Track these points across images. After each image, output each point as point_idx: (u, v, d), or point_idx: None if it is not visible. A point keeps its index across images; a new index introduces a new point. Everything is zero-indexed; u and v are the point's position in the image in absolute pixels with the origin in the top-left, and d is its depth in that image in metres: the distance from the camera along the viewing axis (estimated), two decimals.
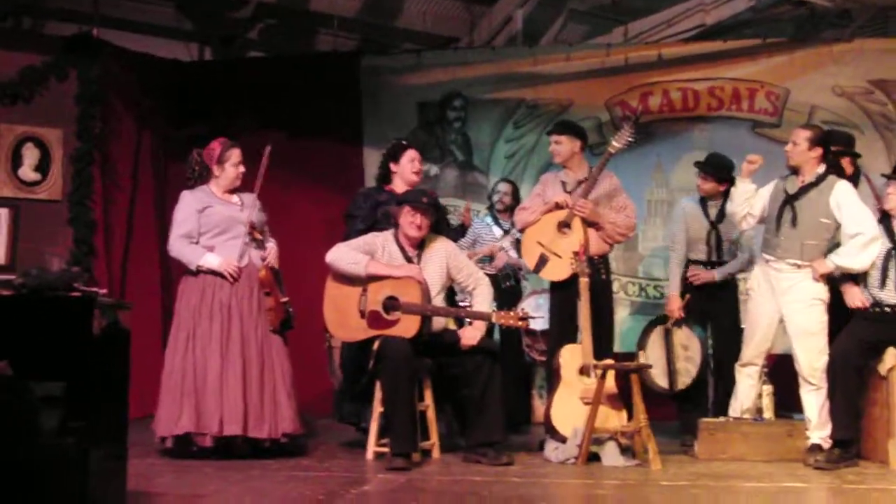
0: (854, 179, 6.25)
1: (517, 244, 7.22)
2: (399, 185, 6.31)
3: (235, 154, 6.07)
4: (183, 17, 9.45)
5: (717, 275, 6.68)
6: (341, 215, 6.61)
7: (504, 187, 7.75)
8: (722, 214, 6.64)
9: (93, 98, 8.03)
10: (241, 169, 6.08)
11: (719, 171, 6.68)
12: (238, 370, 5.77)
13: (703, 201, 6.80)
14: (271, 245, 6.07)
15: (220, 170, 6.03)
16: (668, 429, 6.73)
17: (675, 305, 6.64)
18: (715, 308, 6.70)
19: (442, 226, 6.43)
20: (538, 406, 7.65)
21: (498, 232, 7.51)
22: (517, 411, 7.30)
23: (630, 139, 6.22)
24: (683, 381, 6.50)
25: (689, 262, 6.79)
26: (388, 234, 5.98)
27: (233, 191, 6.09)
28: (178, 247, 5.97)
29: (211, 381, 5.74)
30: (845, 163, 6.29)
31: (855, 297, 5.83)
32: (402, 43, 10.20)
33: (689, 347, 6.53)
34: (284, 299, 5.98)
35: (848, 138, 6.52)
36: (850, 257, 5.79)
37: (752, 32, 9.36)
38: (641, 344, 6.66)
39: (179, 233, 5.97)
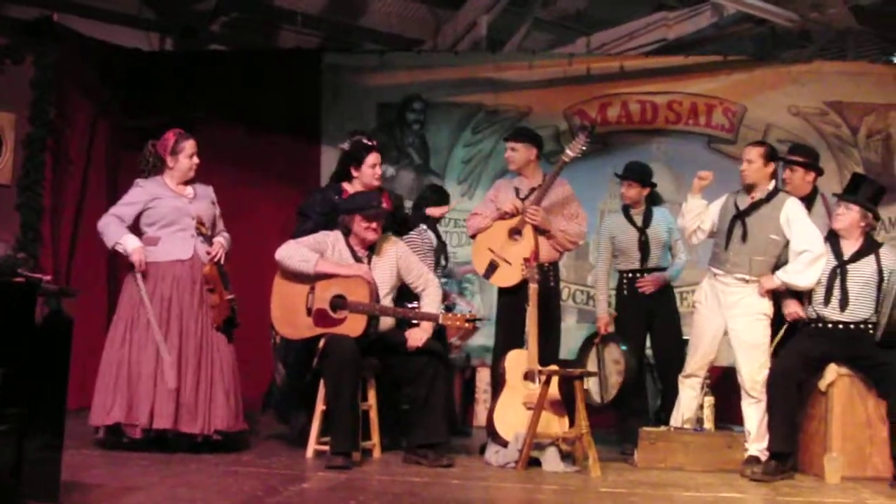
0: (811, 197, 6.31)
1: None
2: (357, 187, 6.28)
3: (189, 145, 6.03)
4: (145, 7, 9.38)
5: (666, 277, 6.80)
6: (295, 211, 6.58)
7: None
8: (647, 220, 6.73)
9: (49, 83, 7.93)
10: (195, 160, 6.03)
11: (642, 177, 6.79)
12: (173, 363, 5.71)
13: (627, 211, 6.88)
14: (218, 240, 6.01)
15: (173, 161, 5.99)
16: (610, 436, 6.77)
17: (602, 322, 6.81)
18: (657, 316, 6.76)
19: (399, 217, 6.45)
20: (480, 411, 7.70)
21: (433, 236, 7.46)
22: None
23: (584, 148, 6.26)
24: (612, 393, 6.59)
25: (622, 273, 6.88)
26: (338, 233, 5.96)
27: (188, 182, 6.05)
28: (105, 222, 5.91)
29: (145, 373, 5.68)
30: (808, 178, 6.33)
31: (792, 308, 5.90)
32: (365, 42, 10.20)
33: (620, 362, 6.60)
34: (229, 296, 5.93)
35: (815, 154, 6.58)
36: (796, 274, 5.86)
37: (713, 49, 9.46)
38: (581, 360, 6.74)
39: (114, 211, 5.94)
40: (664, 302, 6.79)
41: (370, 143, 6.40)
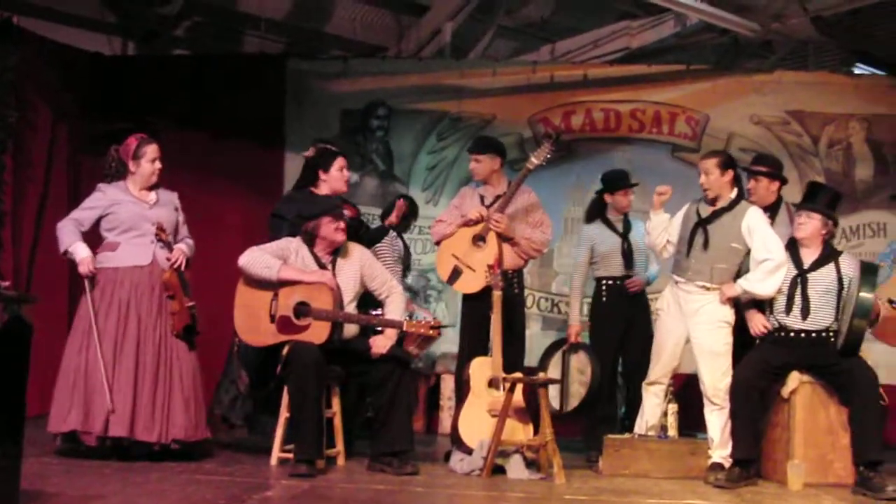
0: (776, 206, 6.36)
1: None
2: (324, 192, 6.25)
3: (151, 150, 5.97)
4: (107, 11, 9.30)
5: (648, 276, 6.87)
6: (268, 215, 6.50)
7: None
8: (627, 227, 6.82)
9: (9, 86, 7.83)
10: (158, 165, 5.97)
11: (626, 184, 6.87)
12: (130, 371, 5.65)
13: (606, 219, 6.91)
14: (180, 246, 5.95)
15: (135, 165, 5.93)
16: (575, 444, 6.78)
17: (573, 330, 6.82)
18: (633, 324, 6.78)
19: (361, 230, 6.42)
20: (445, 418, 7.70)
21: (401, 245, 7.43)
22: None
23: (549, 156, 6.27)
24: (572, 403, 6.60)
25: (601, 280, 6.88)
26: (300, 240, 5.92)
27: (151, 188, 5.99)
28: (62, 226, 5.87)
29: (101, 380, 5.61)
30: (772, 187, 6.37)
31: (758, 324, 5.94)
32: (329, 48, 10.18)
33: (585, 372, 6.62)
34: (189, 303, 5.87)
35: (779, 163, 6.63)
36: (757, 282, 5.89)
37: (676, 58, 9.55)
38: (543, 365, 6.75)
39: (73, 215, 5.90)
40: (641, 310, 6.80)
41: (336, 149, 6.39)
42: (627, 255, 6.81)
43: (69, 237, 5.81)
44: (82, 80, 8.79)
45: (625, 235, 6.84)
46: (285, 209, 6.25)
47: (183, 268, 5.93)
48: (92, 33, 9.45)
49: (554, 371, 6.71)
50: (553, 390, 6.61)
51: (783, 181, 6.44)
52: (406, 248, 7.38)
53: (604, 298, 6.90)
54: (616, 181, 6.93)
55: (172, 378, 5.77)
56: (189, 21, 9.82)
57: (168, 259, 5.87)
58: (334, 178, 6.27)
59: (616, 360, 6.88)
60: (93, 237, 5.94)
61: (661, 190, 6.20)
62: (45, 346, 7.61)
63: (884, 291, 6.13)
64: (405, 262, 7.36)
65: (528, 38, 10.32)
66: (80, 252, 5.78)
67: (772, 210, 6.25)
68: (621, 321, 6.79)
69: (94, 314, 5.71)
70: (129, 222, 5.84)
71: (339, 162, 6.30)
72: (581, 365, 6.67)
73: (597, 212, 6.99)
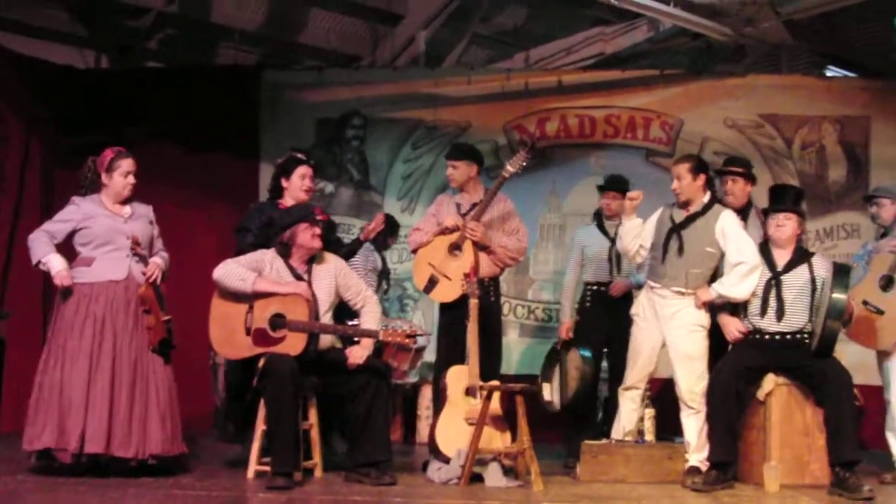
0: (747, 209, 6.40)
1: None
2: (289, 201, 6.24)
3: (126, 163, 5.90)
4: (79, 24, 9.27)
5: (632, 282, 6.86)
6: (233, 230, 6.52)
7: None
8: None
9: None
10: (131, 180, 5.89)
11: (625, 188, 6.84)
12: (106, 387, 5.58)
13: (601, 222, 6.95)
14: (155, 260, 5.90)
15: (107, 178, 5.86)
16: (554, 450, 6.79)
17: (564, 328, 6.91)
18: (617, 330, 6.75)
19: (333, 242, 6.40)
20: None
21: (379, 260, 7.41)
22: None
23: (524, 164, 6.28)
24: (569, 397, 6.67)
25: (587, 285, 6.92)
26: (275, 252, 5.91)
27: (126, 202, 5.96)
28: (33, 238, 5.79)
29: (76, 396, 5.55)
30: (747, 188, 6.40)
31: (732, 331, 5.96)
32: (303, 59, 10.18)
33: (580, 367, 6.66)
34: (165, 318, 5.81)
35: (750, 164, 6.67)
36: (731, 286, 5.92)
37: (650, 63, 9.58)
38: (546, 375, 6.79)
39: (45, 227, 5.82)
40: (625, 316, 6.75)
41: (301, 157, 6.36)
42: (614, 260, 6.81)
43: (42, 248, 5.74)
44: (55, 93, 8.76)
45: (614, 240, 6.84)
46: (249, 222, 6.24)
47: (158, 281, 5.90)
48: (65, 47, 9.43)
49: (557, 377, 6.75)
50: (554, 392, 6.64)
51: (753, 182, 6.48)
52: (384, 264, 7.38)
53: (588, 304, 6.93)
54: (607, 183, 6.97)
55: (149, 393, 5.71)
56: (162, 33, 9.81)
57: (143, 273, 5.83)
58: (294, 186, 6.23)
59: (599, 366, 6.90)
60: (66, 251, 5.87)
61: (633, 195, 6.22)
62: (18, 360, 7.62)
63: (857, 292, 6.18)
64: (381, 279, 7.35)
65: (502, 45, 10.35)
66: (55, 264, 5.70)
67: (743, 213, 6.28)
68: (605, 327, 6.82)
69: (67, 329, 5.66)
70: (103, 236, 5.78)
71: (301, 169, 6.25)
72: (577, 362, 6.73)
73: (595, 214, 7.07)
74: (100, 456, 5.55)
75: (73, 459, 5.52)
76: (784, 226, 5.97)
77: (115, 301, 5.72)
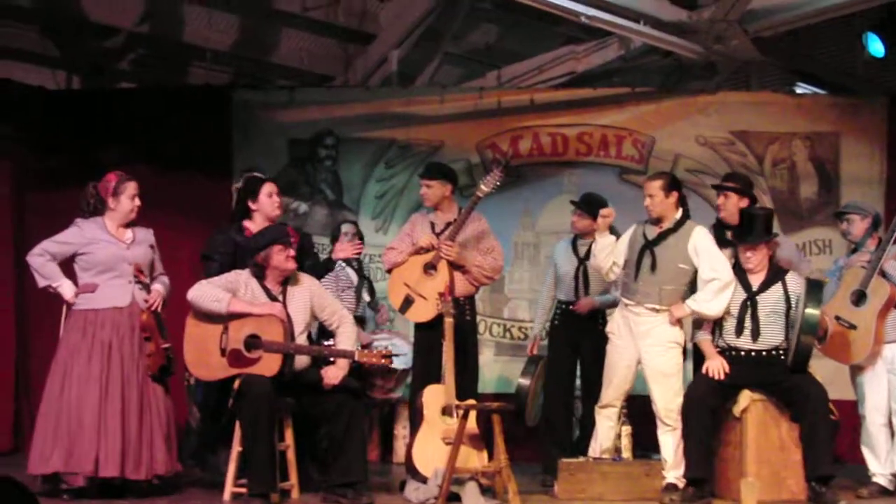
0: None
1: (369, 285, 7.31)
2: (259, 222, 6.22)
3: (131, 186, 5.97)
4: (50, 44, 9.22)
5: (596, 301, 6.84)
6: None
7: (347, 228, 7.48)
8: (590, 252, 6.79)
9: None
10: (137, 202, 5.97)
11: (593, 209, 6.80)
12: (117, 411, 5.66)
13: (574, 241, 6.95)
14: (157, 287, 5.98)
15: (115, 202, 5.92)
16: (531, 469, 6.78)
17: (530, 343, 7.03)
18: (586, 347, 6.78)
19: (308, 255, 6.39)
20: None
21: (352, 274, 7.39)
22: None
23: (499, 183, 6.29)
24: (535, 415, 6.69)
25: (559, 303, 6.94)
26: (249, 272, 5.88)
27: (128, 225, 5.96)
28: (38, 259, 5.83)
29: (88, 421, 5.60)
30: (741, 203, 6.34)
31: (717, 371, 5.92)
32: (276, 79, 10.16)
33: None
34: (165, 345, 5.88)
35: (748, 181, 6.69)
36: (705, 302, 5.94)
37: (621, 81, 9.63)
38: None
39: (46, 247, 5.84)
40: (594, 333, 6.73)
41: (260, 175, 6.35)
42: (581, 278, 6.82)
43: (50, 271, 5.81)
44: (26, 114, 8.69)
45: (582, 260, 6.84)
46: (212, 250, 6.22)
47: (159, 309, 5.94)
48: (36, 67, 9.39)
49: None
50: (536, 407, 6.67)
51: (752, 199, 6.47)
52: (361, 273, 7.35)
53: (557, 322, 6.94)
54: (580, 201, 6.96)
55: (153, 416, 5.81)
56: (134, 54, 9.77)
57: (146, 301, 5.86)
58: (264, 205, 6.23)
59: (572, 384, 6.90)
60: (64, 270, 5.92)
61: (605, 213, 6.22)
62: None
63: (830, 308, 6.22)
64: (359, 292, 7.32)
65: (474, 64, 10.38)
66: (67, 292, 5.80)
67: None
68: (572, 345, 6.82)
69: (74, 355, 5.71)
70: (106, 263, 5.83)
71: (267, 187, 6.26)
72: (543, 378, 6.77)
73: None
74: (114, 479, 5.61)
75: (86, 483, 5.58)
76: (751, 257, 6.00)
77: (120, 327, 5.80)
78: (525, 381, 6.69)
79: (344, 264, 7.10)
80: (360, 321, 7.26)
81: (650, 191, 6.13)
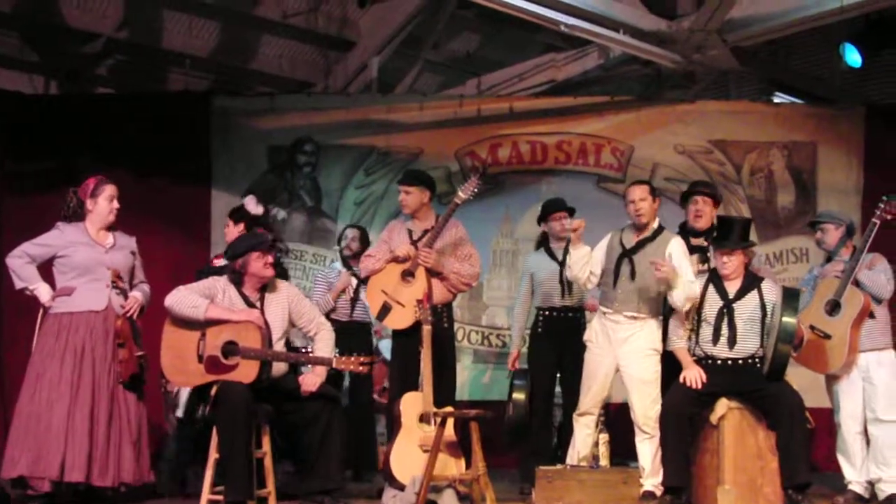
0: (711, 231, 6.43)
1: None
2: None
3: (109, 189, 5.97)
4: (28, 49, 9.18)
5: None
6: (193, 255, 6.45)
7: (351, 233, 7.56)
8: (566, 255, 6.79)
9: None
10: (115, 205, 5.97)
11: (572, 210, 6.86)
12: (86, 416, 5.63)
13: (548, 247, 6.96)
14: (135, 294, 5.95)
15: (92, 203, 5.92)
16: (509, 476, 6.77)
17: (511, 357, 6.99)
18: (569, 355, 6.75)
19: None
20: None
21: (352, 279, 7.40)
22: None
23: (476, 190, 6.30)
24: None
25: (539, 311, 6.91)
26: (226, 279, 5.87)
27: (109, 228, 5.94)
28: (17, 261, 5.83)
29: (56, 425, 5.58)
30: (715, 211, 6.43)
31: (695, 381, 5.93)
32: (255, 85, 10.16)
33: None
34: (139, 353, 5.87)
35: (713, 185, 6.74)
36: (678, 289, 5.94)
37: (601, 90, 9.68)
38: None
39: (26, 249, 5.84)
40: (576, 341, 6.68)
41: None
42: (565, 282, 6.82)
43: (28, 273, 5.80)
44: (3, 119, 8.63)
45: (563, 263, 6.85)
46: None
47: (136, 316, 5.92)
48: (14, 72, 9.34)
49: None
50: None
51: (717, 201, 6.53)
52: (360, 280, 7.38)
53: (539, 329, 6.92)
54: (546, 207, 6.97)
55: (122, 423, 5.77)
56: (113, 59, 9.75)
57: (122, 306, 5.83)
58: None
59: (552, 391, 6.90)
60: (42, 273, 5.91)
61: (575, 225, 6.19)
62: None
63: (805, 317, 6.25)
64: (357, 294, 7.34)
65: (454, 72, 10.41)
66: (44, 294, 5.80)
67: (707, 234, 6.34)
68: (556, 352, 6.81)
69: (48, 358, 5.69)
70: (84, 266, 5.81)
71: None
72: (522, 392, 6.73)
73: (540, 242, 7.05)
74: (79, 485, 5.58)
75: (52, 488, 5.55)
76: (727, 263, 6.01)
77: (94, 331, 5.78)
78: (521, 397, 6.64)
79: (343, 268, 7.15)
80: (364, 325, 7.34)
81: (640, 195, 6.14)
